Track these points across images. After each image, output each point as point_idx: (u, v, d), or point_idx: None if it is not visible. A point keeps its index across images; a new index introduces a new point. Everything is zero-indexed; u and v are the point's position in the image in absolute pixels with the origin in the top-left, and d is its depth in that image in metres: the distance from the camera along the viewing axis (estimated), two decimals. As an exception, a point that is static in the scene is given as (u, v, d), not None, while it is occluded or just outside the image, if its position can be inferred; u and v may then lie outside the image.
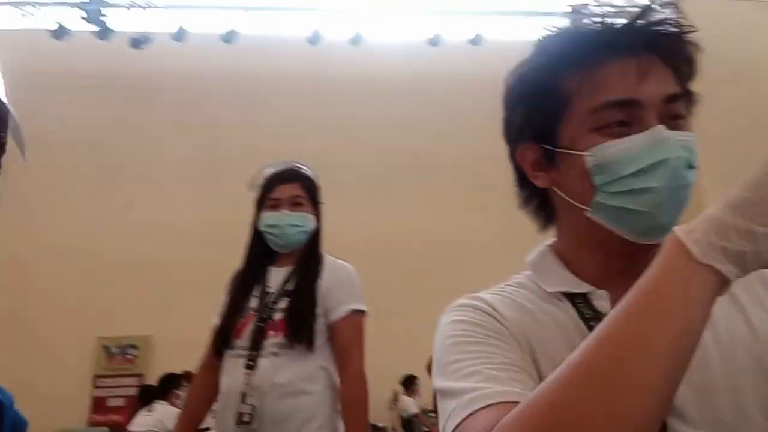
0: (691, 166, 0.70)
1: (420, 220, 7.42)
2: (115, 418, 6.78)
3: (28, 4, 6.89)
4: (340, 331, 1.98)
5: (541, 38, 0.79)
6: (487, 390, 0.63)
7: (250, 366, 1.89)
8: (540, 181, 0.79)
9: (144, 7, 6.93)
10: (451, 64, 7.30)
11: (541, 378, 0.67)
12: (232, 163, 7.17)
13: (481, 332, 0.72)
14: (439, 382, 0.70)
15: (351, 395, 1.94)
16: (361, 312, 2.03)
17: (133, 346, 7.22)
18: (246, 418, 1.82)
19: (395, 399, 6.93)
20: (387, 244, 7.15)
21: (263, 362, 1.89)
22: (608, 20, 0.75)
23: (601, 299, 0.74)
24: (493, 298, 0.78)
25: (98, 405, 7.03)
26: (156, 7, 7.04)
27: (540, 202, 0.83)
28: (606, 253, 0.76)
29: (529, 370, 0.69)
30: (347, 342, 1.98)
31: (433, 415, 6.13)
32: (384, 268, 6.96)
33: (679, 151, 0.69)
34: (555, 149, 0.76)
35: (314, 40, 7.19)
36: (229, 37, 7.12)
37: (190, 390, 2.18)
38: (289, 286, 2.01)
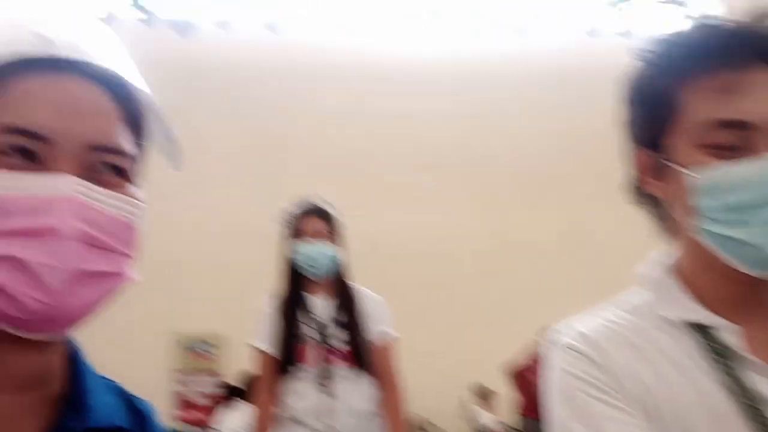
0: None
1: (476, 220, 7.15)
2: (199, 415, 6.75)
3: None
4: (379, 355, 2.20)
5: (664, 37, 0.76)
6: None
7: (325, 391, 2.10)
8: (651, 188, 0.78)
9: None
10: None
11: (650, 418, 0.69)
12: (292, 158, 7.05)
13: (597, 395, 0.71)
14: None
15: (396, 411, 2.16)
16: (392, 336, 2.24)
17: (209, 343, 7.15)
18: None
19: (464, 407, 6.69)
20: (445, 245, 6.99)
21: (337, 387, 2.11)
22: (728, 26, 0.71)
23: (732, 334, 0.71)
24: (603, 334, 0.75)
25: (179, 401, 7.02)
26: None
27: (655, 211, 0.80)
28: (737, 283, 0.72)
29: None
30: (385, 364, 2.19)
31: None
32: (445, 272, 6.82)
33: None
34: (662, 159, 0.74)
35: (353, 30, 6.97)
36: (273, 27, 6.95)
37: (260, 413, 2.26)
38: (340, 317, 2.21)
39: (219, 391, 6.25)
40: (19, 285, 0.50)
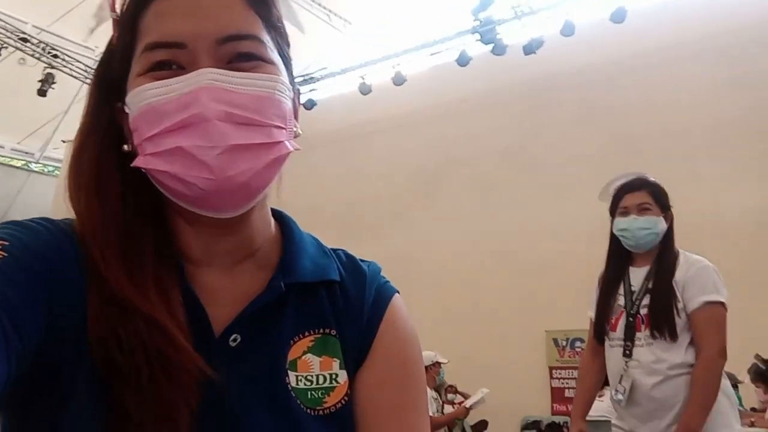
0: None
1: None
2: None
3: (437, 43, 7.70)
4: (695, 321, 2.19)
5: None
6: None
7: (627, 354, 2.25)
8: None
9: (529, 13, 7.07)
10: None
11: None
12: (646, 148, 6.80)
13: None
14: None
15: (697, 376, 2.14)
16: (716, 303, 2.19)
17: (579, 339, 7.32)
18: (619, 396, 2.22)
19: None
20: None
21: (638, 351, 2.23)
22: None
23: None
24: None
25: (557, 395, 7.39)
26: (540, 9, 7.11)
27: None
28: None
29: None
30: (701, 331, 2.18)
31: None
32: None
33: None
34: None
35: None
36: (617, 16, 6.61)
37: (580, 372, 2.57)
38: (650, 285, 2.29)
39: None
40: (188, 169, 0.58)
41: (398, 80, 7.86)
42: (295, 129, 0.67)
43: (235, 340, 0.63)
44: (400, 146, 8.53)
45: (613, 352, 2.34)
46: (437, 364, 5.71)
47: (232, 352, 0.63)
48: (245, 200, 0.63)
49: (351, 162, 8.89)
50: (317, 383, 0.66)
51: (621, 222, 2.36)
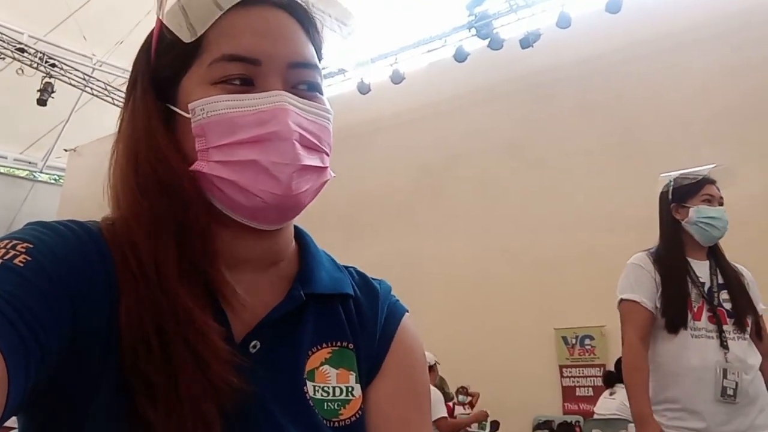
0: None
1: None
2: (585, 407, 7.00)
3: (434, 39, 7.69)
4: (761, 326, 2.26)
5: None
6: None
7: (725, 346, 2.17)
8: None
9: (524, 6, 7.05)
10: None
11: None
12: (647, 137, 6.77)
13: None
14: None
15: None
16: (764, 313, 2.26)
17: (589, 337, 7.28)
18: (730, 392, 2.11)
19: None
20: None
21: (733, 344, 2.17)
22: None
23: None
24: None
25: (568, 394, 7.35)
26: (535, 2, 7.10)
27: None
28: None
29: None
30: (764, 335, 2.26)
31: None
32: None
33: None
34: None
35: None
36: (613, 6, 6.60)
37: (638, 363, 2.29)
38: (720, 280, 2.29)
39: (601, 381, 6.35)
40: (257, 183, 0.61)
41: (396, 78, 7.84)
42: None
43: (254, 346, 0.64)
44: (401, 145, 8.51)
45: (700, 343, 2.18)
46: (436, 364, 5.72)
47: (251, 358, 0.62)
48: (293, 216, 0.67)
49: (353, 162, 8.87)
50: (334, 395, 0.67)
51: (709, 210, 2.30)
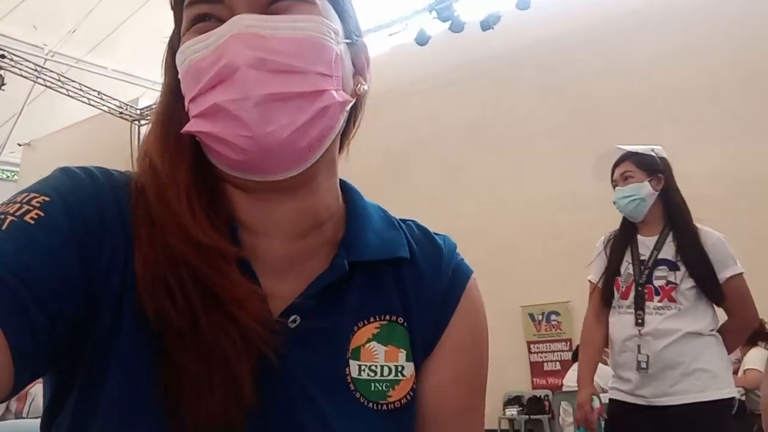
0: None
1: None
2: (553, 381, 7.16)
3: (394, 23, 7.65)
4: (727, 295, 2.29)
5: None
6: None
7: (639, 323, 2.30)
8: None
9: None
10: None
11: None
12: (608, 118, 6.89)
13: None
14: None
15: (732, 328, 2.36)
16: (737, 275, 2.29)
17: (555, 313, 7.44)
18: (644, 365, 2.27)
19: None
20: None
21: (651, 319, 2.29)
22: None
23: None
24: None
25: (536, 369, 7.50)
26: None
27: None
28: None
29: None
30: (730, 305, 2.32)
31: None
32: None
33: None
34: None
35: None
36: None
37: (585, 336, 2.57)
38: (661, 255, 2.34)
39: (569, 355, 6.48)
40: (227, 128, 0.53)
41: (359, 63, 7.80)
42: (359, 85, 0.63)
43: (294, 321, 0.57)
44: (365, 129, 8.26)
45: (622, 320, 2.37)
46: None
47: (290, 333, 0.57)
48: (294, 159, 0.56)
49: (316, 148, 8.82)
50: (382, 375, 0.60)
51: (615, 193, 2.45)
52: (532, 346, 7.58)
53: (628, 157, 2.46)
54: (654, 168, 2.41)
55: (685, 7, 6.71)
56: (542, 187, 7.30)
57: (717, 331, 2.31)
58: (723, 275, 2.27)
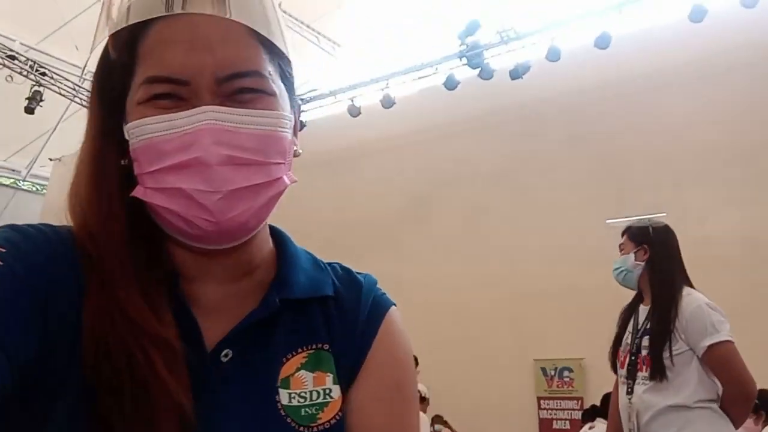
0: None
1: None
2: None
3: (425, 66, 7.75)
4: (709, 366, 2.29)
5: None
6: None
7: (629, 392, 2.42)
8: None
9: (515, 38, 7.14)
10: None
11: None
12: (634, 173, 6.85)
13: None
14: None
15: (725, 410, 2.30)
16: (719, 344, 2.26)
17: (568, 369, 7.30)
18: (635, 430, 2.34)
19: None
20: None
21: (639, 389, 2.37)
22: None
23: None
24: None
25: (545, 426, 7.30)
26: (526, 35, 7.19)
27: None
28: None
29: None
30: (717, 374, 2.30)
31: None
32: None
33: None
34: None
35: (697, 16, 6.25)
36: (602, 42, 6.70)
37: (611, 400, 2.69)
38: (648, 324, 2.42)
39: (582, 414, 6.32)
40: (189, 209, 0.58)
41: (387, 103, 7.87)
42: (294, 149, 0.67)
43: (226, 355, 0.63)
44: (389, 169, 8.52)
45: (621, 389, 2.51)
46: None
47: (223, 368, 0.62)
48: (244, 235, 0.63)
49: (340, 184, 8.86)
50: (311, 399, 0.65)
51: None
52: (542, 402, 7.40)
53: (626, 230, 2.62)
54: (642, 240, 2.52)
55: (716, 67, 6.71)
56: (563, 240, 7.23)
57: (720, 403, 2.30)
58: (702, 344, 2.26)
